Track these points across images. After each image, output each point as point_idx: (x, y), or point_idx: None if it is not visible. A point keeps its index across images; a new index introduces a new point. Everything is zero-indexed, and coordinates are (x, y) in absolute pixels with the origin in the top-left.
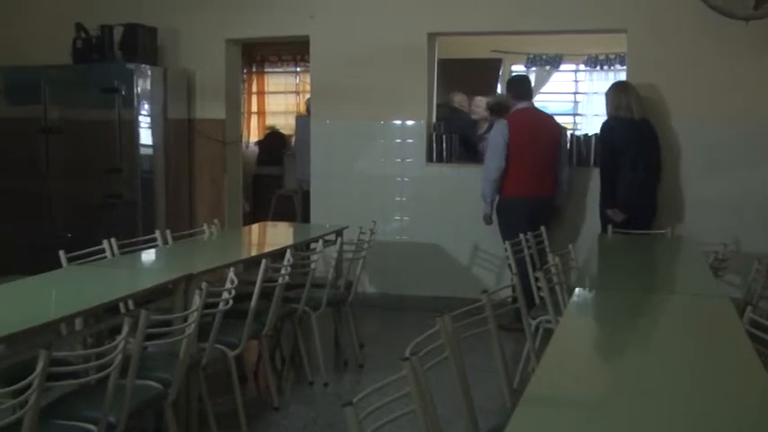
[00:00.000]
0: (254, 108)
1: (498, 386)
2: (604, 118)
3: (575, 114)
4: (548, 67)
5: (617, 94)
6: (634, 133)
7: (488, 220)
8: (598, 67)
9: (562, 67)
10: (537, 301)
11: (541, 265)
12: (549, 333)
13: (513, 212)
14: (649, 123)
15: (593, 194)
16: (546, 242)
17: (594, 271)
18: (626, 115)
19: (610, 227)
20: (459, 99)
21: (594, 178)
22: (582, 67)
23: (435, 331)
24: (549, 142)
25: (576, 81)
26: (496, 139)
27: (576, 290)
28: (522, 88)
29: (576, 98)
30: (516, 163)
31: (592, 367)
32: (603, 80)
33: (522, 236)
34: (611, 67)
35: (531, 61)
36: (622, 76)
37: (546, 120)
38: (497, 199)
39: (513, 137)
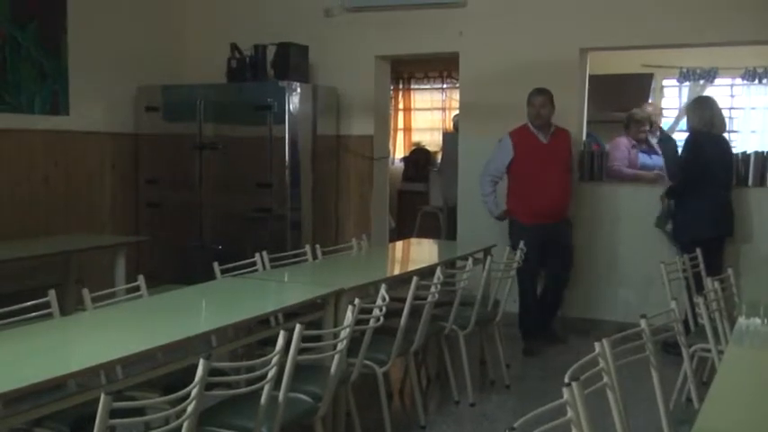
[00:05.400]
0: (401, 124)
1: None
2: (762, 134)
3: (730, 131)
4: (701, 82)
5: None
6: None
7: None
8: (756, 81)
9: (717, 80)
10: (692, 327)
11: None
12: (702, 361)
13: None
14: None
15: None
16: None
17: (756, 297)
18: None
19: None
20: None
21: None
22: (738, 80)
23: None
24: None
25: (732, 96)
26: None
27: (740, 318)
28: None
29: (732, 114)
30: None
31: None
32: (762, 94)
33: None
34: None
35: (684, 75)
36: None
37: None
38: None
39: None
